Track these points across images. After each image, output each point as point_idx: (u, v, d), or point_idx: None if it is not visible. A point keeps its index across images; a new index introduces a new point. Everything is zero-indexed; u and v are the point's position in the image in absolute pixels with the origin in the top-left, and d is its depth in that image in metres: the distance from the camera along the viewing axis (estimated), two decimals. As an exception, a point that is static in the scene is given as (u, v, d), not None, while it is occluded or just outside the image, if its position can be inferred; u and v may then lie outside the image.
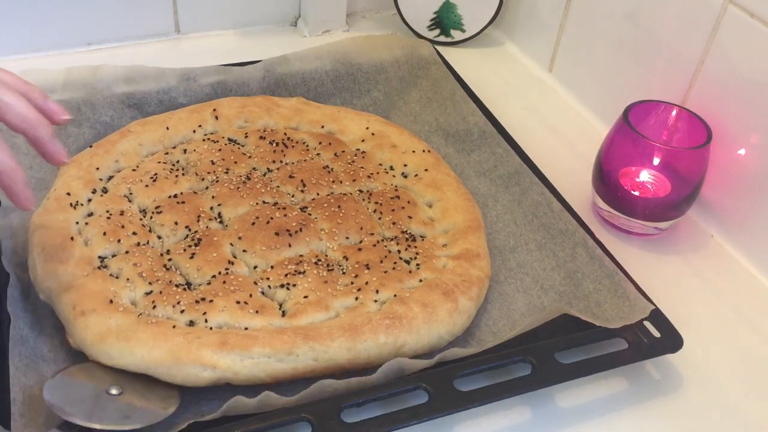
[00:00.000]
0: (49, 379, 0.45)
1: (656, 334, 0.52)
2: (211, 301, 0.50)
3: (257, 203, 0.59)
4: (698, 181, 0.62)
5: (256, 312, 0.50)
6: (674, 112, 0.65)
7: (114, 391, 0.45)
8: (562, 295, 0.56)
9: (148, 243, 0.55)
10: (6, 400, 0.44)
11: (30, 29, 0.78)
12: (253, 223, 0.57)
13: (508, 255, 0.60)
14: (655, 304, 0.54)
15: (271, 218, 0.57)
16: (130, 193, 0.59)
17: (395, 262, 0.55)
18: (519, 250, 0.60)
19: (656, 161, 0.63)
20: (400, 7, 0.89)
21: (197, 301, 0.50)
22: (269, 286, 0.53)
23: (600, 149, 0.65)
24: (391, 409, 0.45)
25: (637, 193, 0.64)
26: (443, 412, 0.46)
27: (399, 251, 0.57)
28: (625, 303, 0.54)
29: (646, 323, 0.52)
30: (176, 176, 0.61)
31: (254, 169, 0.63)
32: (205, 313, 0.49)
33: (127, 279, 0.52)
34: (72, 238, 0.53)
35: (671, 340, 0.52)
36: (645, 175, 0.64)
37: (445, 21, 0.90)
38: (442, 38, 0.91)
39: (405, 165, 0.65)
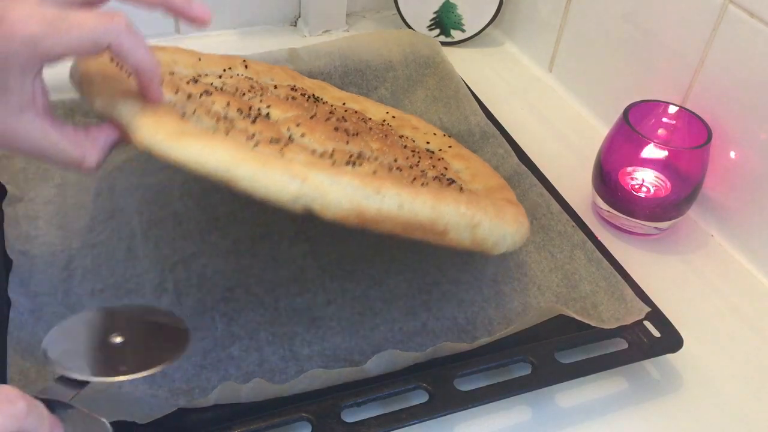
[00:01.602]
0: (47, 334, 0.43)
1: (656, 334, 0.52)
2: (285, 144, 0.47)
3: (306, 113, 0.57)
4: (698, 181, 0.62)
5: (333, 165, 0.47)
6: (674, 112, 0.65)
7: (117, 339, 0.43)
8: (559, 296, 0.56)
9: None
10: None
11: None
12: (311, 117, 0.54)
13: (507, 256, 0.60)
14: (654, 305, 0.54)
15: (328, 119, 0.55)
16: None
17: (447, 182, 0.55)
18: (517, 251, 0.60)
19: (656, 161, 0.63)
20: (400, 7, 0.89)
21: (270, 141, 0.47)
22: (334, 162, 0.49)
23: (600, 149, 0.65)
24: (391, 409, 0.45)
25: (637, 193, 0.64)
26: (443, 412, 0.46)
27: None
28: (621, 305, 0.54)
29: (646, 323, 0.52)
30: (216, 89, 0.56)
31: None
32: (282, 150, 0.47)
33: (194, 111, 0.47)
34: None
35: (671, 340, 0.52)
36: (645, 175, 0.64)
37: (445, 21, 0.90)
38: (442, 38, 0.91)
39: (428, 143, 0.65)
